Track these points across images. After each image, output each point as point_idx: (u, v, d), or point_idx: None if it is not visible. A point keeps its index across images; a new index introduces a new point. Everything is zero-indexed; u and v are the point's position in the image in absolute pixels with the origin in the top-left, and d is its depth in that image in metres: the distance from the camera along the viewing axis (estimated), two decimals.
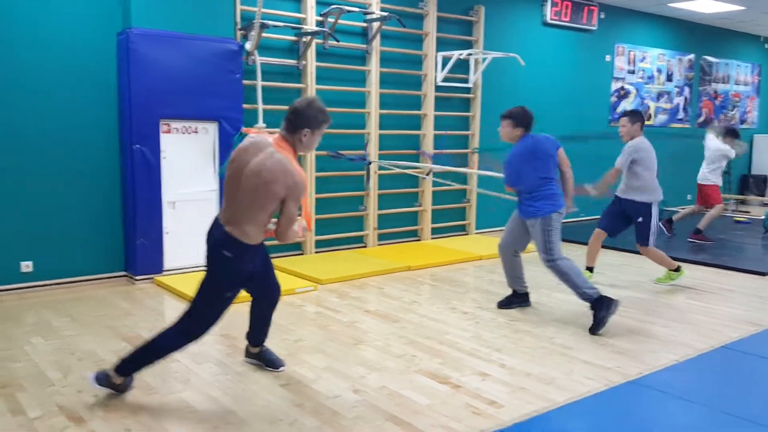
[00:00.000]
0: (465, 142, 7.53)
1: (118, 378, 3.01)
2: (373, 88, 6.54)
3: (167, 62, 5.10)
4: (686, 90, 10.63)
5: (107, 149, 5.19)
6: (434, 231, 7.33)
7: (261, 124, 5.55)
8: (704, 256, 6.52)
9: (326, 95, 6.25)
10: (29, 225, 4.87)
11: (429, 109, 7.00)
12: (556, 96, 8.40)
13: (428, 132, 7.02)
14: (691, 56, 10.61)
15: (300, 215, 3.03)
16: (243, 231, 2.90)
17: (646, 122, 9.90)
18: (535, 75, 8.04)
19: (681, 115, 10.59)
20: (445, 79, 7.01)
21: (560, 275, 4.28)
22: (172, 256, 5.32)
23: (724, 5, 8.96)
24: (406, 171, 6.59)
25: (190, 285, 4.90)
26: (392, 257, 6.20)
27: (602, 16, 8.84)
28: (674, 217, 7.62)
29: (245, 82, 5.60)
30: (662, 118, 10.22)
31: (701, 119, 11.06)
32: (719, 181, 7.32)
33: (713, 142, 7.34)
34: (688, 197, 9.62)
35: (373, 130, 6.57)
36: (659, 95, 10.16)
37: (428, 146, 7.02)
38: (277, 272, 3.36)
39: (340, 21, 6.07)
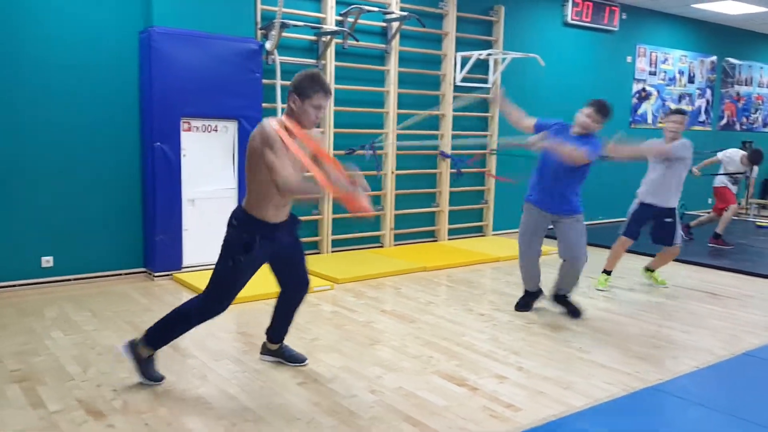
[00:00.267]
0: (483, 143, 7.50)
1: (145, 350, 3.14)
2: (392, 87, 6.54)
3: (188, 61, 5.13)
4: (708, 92, 10.51)
5: (128, 147, 5.24)
6: (451, 232, 7.31)
7: None
8: (724, 260, 6.44)
9: (345, 95, 6.27)
10: (50, 221, 4.94)
11: (447, 110, 6.99)
12: (576, 97, 8.28)
13: (446, 132, 7.01)
14: (714, 58, 10.47)
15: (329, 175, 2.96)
16: (247, 202, 3.04)
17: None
18: (555, 76, 7.99)
19: (702, 117, 10.46)
20: (464, 80, 6.99)
21: (580, 272, 4.42)
22: (190, 253, 5.35)
23: (749, 6, 8.83)
24: (419, 152, 6.67)
25: None
26: (409, 257, 6.19)
27: (624, 16, 8.76)
28: (692, 223, 7.62)
29: (265, 81, 5.63)
30: None
31: (723, 122, 10.92)
32: (732, 187, 7.42)
33: (735, 156, 7.44)
34: (709, 201, 9.51)
35: (391, 130, 6.57)
36: (681, 97, 10.04)
37: (446, 147, 7.00)
38: None
39: (359, 21, 6.08)
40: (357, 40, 6.08)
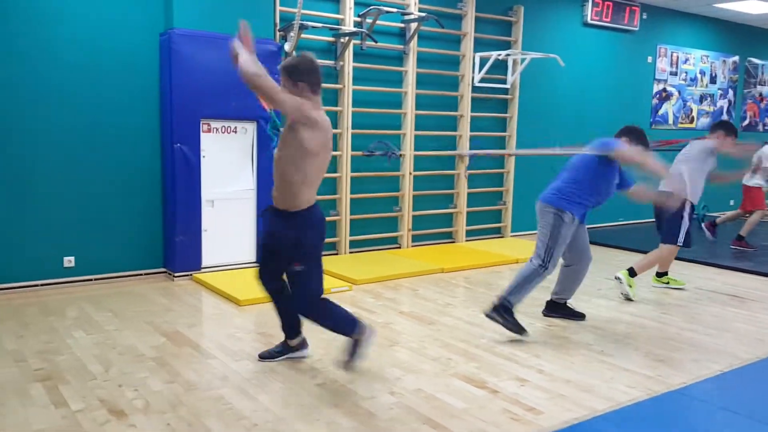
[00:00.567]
0: (503, 143, 7.46)
1: (292, 340, 3.53)
2: (410, 88, 6.52)
3: (208, 62, 5.16)
4: (730, 93, 10.37)
5: (149, 148, 5.28)
6: (469, 233, 7.28)
7: None
8: (747, 263, 6.35)
9: (363, 96, 6.27)
10: (72, 222, 4.99)
11: (465, 110, 6.96)
12: (596, 98, 8.26)
13: (464, 133, 6.98)
14: (736, 58, 10.33)
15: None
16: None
17: (689, 125, 9.78)
18: (574, 76, 7.93)
19: (724, 118, 10.32)
20: (483, 80, 6.96)
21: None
22: (210, 254, 5.38)
23: None
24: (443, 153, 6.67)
25: (228, 282, 5.00)
26: (426, 259, 6.17)
27: (644, 16, 8.67)
28: (717, 220, 7.58)
29: None
30: (705, 121, 9.98)
31: (745, 122, 10.77)
32: (765, 185, 7.27)
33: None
34: (731, 203, 9.38)
35: (408, 131, 6.56)
36: (702, 98, 9.92)
37: (464, 147, 6.97)
38: None
39: (378, 21, 6.08)
40: (375, 41, 6.07)
